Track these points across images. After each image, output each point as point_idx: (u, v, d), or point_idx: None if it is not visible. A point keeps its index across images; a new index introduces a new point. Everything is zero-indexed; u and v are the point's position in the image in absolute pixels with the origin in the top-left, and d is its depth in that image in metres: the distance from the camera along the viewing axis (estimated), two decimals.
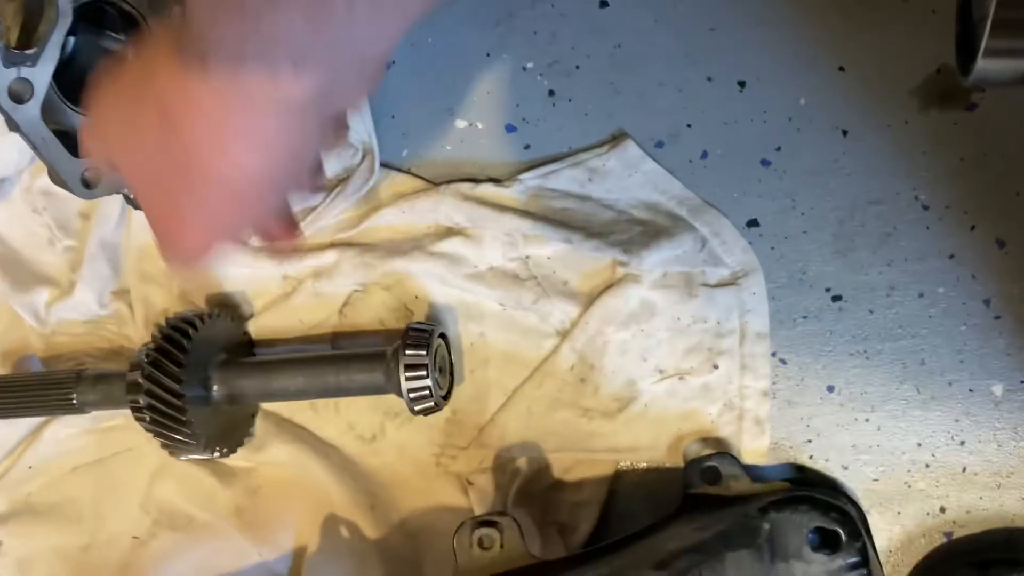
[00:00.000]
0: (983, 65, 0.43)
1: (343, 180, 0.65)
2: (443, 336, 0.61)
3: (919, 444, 0.58)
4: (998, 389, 0.57)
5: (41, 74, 0.54)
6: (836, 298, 0.60)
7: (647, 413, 0.61)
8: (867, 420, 0.59)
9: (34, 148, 0.56)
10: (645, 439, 0.60)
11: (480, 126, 0.65)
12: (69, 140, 0.61)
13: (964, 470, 0.58)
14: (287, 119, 0.34)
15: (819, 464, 0.59)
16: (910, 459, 0.58)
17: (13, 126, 0.55)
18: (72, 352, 0.70)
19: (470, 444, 0.63)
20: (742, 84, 0.61)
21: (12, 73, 0.53)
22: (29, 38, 0.55)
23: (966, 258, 0.58)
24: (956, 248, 0.58)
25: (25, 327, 0.70)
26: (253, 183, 0.37)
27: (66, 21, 0.55)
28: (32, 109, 0.54)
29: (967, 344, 0.58)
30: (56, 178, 0.59)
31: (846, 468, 0.59)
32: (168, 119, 0.36)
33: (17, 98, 0.53)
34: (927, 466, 0.58)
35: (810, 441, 0.60)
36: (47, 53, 0.54)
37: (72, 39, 0.64)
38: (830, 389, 0.59)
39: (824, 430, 0.59)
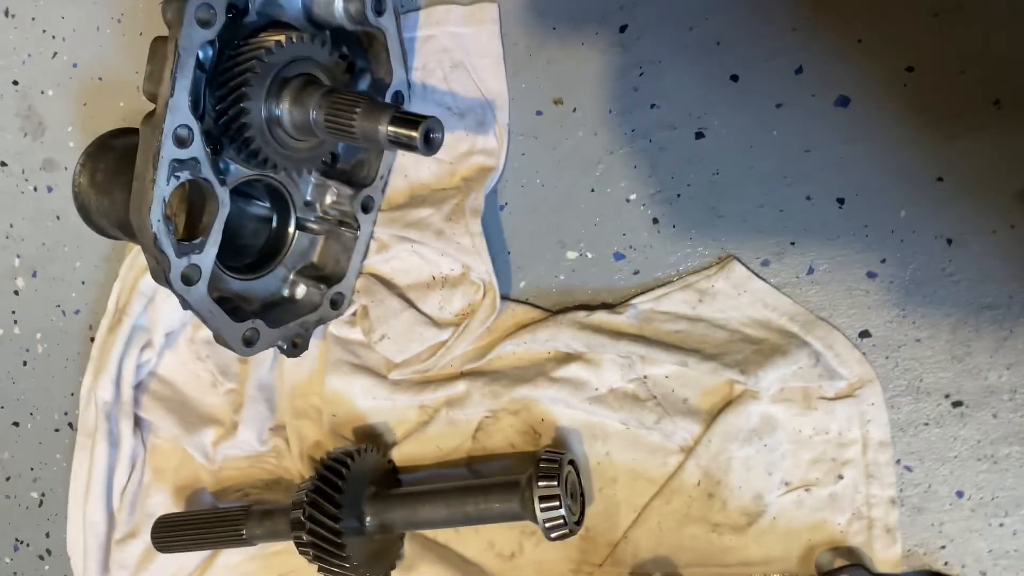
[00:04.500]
0: None
1: (468, 315, 0.71)
2: (572, 462, 0.65)
3: None
4: None
5: (207, 257, 0.62)
6: (956, 403, 0.60)
7: (776, 525, 0.62)
8: (1001, 525, 0.59)
9: (203, 320, 0.63)
10: (776, 551, 0.62)
11: (590, 256, 0.69)
12: (228, 303, 0.68)
13: None
14: None
15: (955, 571, 0.60)
16: None
17: (185, 305, 0.61)
18: (238, 484, 0.78)
19: (604, 561, 0.66)
20: (841, 201, 0.63)
21: (183, 262, 0.60)
22: (195, 227, 0.62)
23: None
24: None
25: (195, 464, 0.79)
26: None
27: (225, 209, 0.62)
28: (201, 288, 0.62)
29: None
30: (221, 340, 0.66)
31: (984, 574, 0.59)
32: None
33: (188, 282, 0.60)
34: None
35: (944, 547, 0.60)
36: (211, 238, 0.62)
37: None
38: (959, 494, 0.60)
39: (957, 536, 0.60)
